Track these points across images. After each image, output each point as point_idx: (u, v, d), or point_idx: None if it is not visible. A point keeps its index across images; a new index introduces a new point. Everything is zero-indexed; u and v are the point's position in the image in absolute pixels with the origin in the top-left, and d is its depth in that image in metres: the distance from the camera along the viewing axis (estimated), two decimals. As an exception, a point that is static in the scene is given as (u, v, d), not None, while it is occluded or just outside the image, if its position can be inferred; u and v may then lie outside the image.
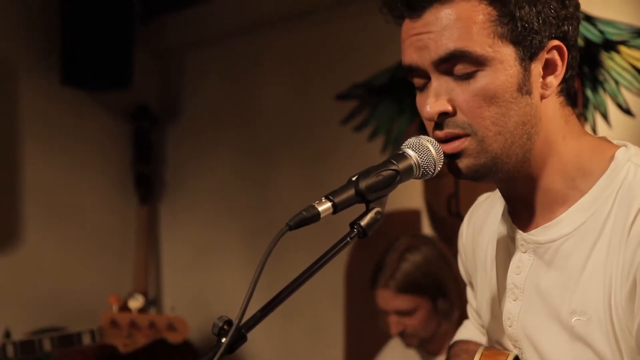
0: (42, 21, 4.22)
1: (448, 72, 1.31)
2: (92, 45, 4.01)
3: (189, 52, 4.60)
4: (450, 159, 1.33)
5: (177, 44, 4.60)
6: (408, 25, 1.34)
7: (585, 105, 3.00)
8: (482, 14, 1.29)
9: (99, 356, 3.44)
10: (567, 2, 1.34)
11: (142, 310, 3.20)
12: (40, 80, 4.21)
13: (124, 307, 3.21)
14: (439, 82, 1.32)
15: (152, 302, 3.43)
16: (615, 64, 2.96)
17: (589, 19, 2.96)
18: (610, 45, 2.96)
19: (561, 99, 1.37)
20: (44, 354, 3.04)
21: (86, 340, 3.10)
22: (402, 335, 2.81)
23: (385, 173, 1.27)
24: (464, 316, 2.60)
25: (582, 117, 2.99)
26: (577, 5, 1.37)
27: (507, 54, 1.29)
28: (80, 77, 4.10)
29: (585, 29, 2.96)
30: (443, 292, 2.76)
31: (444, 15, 1.29)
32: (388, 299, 2.78)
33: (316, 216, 1.21)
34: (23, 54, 4.18)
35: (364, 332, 3.64)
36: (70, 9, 4.04)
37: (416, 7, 1.31)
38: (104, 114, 4.49)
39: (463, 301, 2.67)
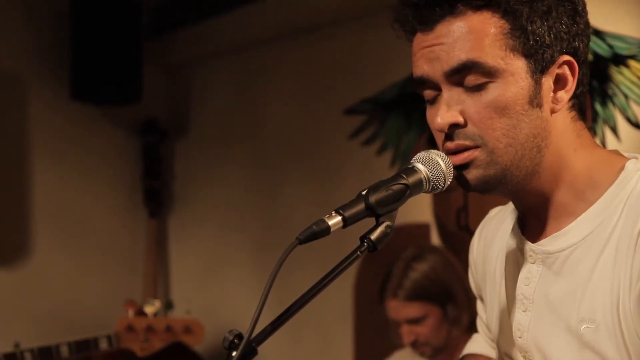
0: (52, 36, 4.24)
1: (459, 84, 1.31)
2: (101, 60, 4.03)
3: (197, 66, 4.62)
4: (459, 170, 1.33)
5: (185, 58, 4.62)
6: (420, 39, 1.34)
7: (595, 119, 3.00)
8: (495, 27, 1.29)
9: None
10: (578, 18, 1.35)
11: (157, 314, 3.22)
12: (50, 94, 4.23)
13: (140, 313, 3.22)
14: (450, 94, 1.32)
15: (169, 305, 3.44)
16: (624, 78, 2.96)
17: (598, 34, 2.97)
18: (620, 60, 2.96)
19: (573, 113, 1.37)
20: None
21: (103, 345, 3.11)
22: (415, 344, 2.81)
23: (395, 187, 1.27)
24: (473, 321, 2.61)
25: (591, 131, 2.98)
26: (587, 23, 1.38)
27: (519, 66, 1.30)
28: (90, 91, 4.13)
29: (595, 44, 2.97)
30: (452, 298, 2.76)
31: (457, 27, 1.30)
32: (398, 309, 2.79)
33: (326, 230, 1.21)
34: (33, 68, 4.20)
35: (373, 346, 3.63)
36: (80, 25, 4.06)
37: (428, 21, 1.32)
38: (113, 129, 4.51)
39: (472, 306, 2.68)
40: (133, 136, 4.55)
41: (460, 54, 1.29)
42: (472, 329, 2.62)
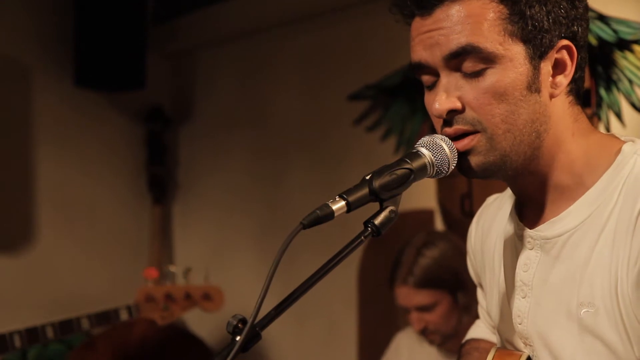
0: (55, 23, 4.24)
1: (457, 69, 1.31)
2: (105, 47, 4.03)
3: (201, 53, 4.62)
4: (460, 157, 1.33)
5: (189, 45, 4.61)
6: (418, 23, 1.34)
7: (599, 104, 2.99)
8: (493, 12, 1.29)
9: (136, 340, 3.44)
10: (577, 2, 1.35)
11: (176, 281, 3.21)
12: (54, 82, 4.23)
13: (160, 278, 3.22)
14: (448, 79, 1.32)
15: (187, 271, 3.41)
16: (629, 63, 2.95)
17: (603, 18, 2.96)
18: (624, 45, 2.95)
19: (570, 98, 1.37)
20: (82, 332, 3.03)
21: (123, 316, 3.10)
22: (425, 332, 2.79)
23: (399, 172, 1.27)
24: None
25: (595, 117, 2.99)
26: (587, 7, 1.38)
27: (517, 52, 1.30)
28: (94, 78, 4.12)
29: (599, 28, 2.96)
30: (462, 285, 2.72)
31: (455, 12, 1.30)
32: (408, 296, 2.76)
33: (330, 215, 1.21)
34: (37, 56, 4.20)
35: (378, 332, 3.64)
36: (84, 12, 4.06)
37: (427, 5, 1.32)
38: (117, 116, 4.51)
39: None
40: (137, 123, 4.56)
41: (459, 38, 1.29)
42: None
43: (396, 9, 1.37)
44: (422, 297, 2.74)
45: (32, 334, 2.92)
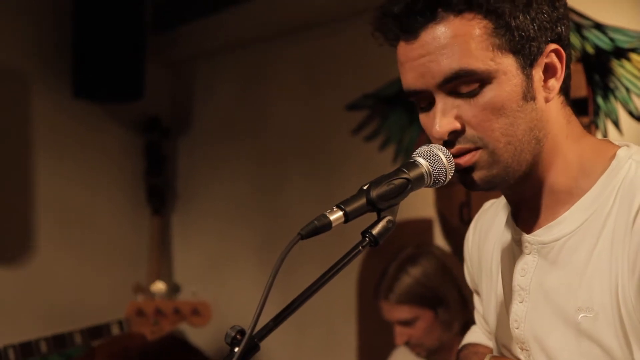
0: (54, 34, 4.25)
1: (453, 92, 1.31)
2: (103, 57, 4.04)
3: (199, 63, 4.62)
4: (463, 173, 1.34)
5: (188, 55, 4.62)
6: (404, 48, 1.33)
7: (597, 113, 3.00)
8: (478, 28, 1.29)
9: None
10: (557, 3, 1.35)
11: (164, 297, 3.26)
12: (53, 93, 4.23)
13: (148, 293, 3.26)
14: (444, 102, 1.32)
15: (176, 288, 3.47)
16: (626, 72, 2.95)
17: (599, 27, 2.96)
18: (621, 53, 2.95)
19: (562, 98, 1.38)
20: (75, 347, 3.07)
21: (115, 330, 3.15)
22: (409, 345, 2.82)
23: (396, 182, 1.27)
24: (465, 326, 2.61)
25: (593, 125, 2.99)
26: (566, 5, 1.38)
27: (509, 64, 1.30)
28: (92, 89, 4.13)
29: (596, 37, 2.96)
30: (443, 302, 2.75)
31: (441, 33, 1.29)
32: (389, 310, 2.80)
33: (328, 225, 1.21)
34: (35, 67, 4.21)
35: (377, 342, 3.64)
36: (82, 22, 4.07)
37: (411, 29, 1.31)
38: (115, 126, 4.51)
39: (465, 311, 2.70)
40: (136, 133, 4.56)
41: (451, 63, 1.28)
42: (464, 333, 2.68)
43: (379, 33, 1.37)
44: (402, 312, 2.77)
45: (26, 348, 2.96)
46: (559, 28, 1.34)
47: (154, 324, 3.21)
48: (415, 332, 2.77)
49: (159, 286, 3.29)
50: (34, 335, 3.47)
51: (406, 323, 2.77)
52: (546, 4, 1.32)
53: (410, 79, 1.33)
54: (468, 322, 2.62)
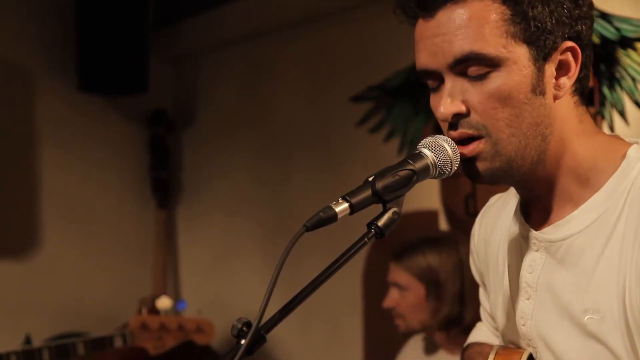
0: (58, 28, 4.25)
1: (462, 73, 1.31)
2: (108, 51, 4.04)
3: (204, 57, 4.62)
4: (466, 162, 1.33)
5: (192, 49, 4.61)
6: (422, 27, 1.34)
7: (602, 103, 2.99)
8: (495, 13, 1.28)
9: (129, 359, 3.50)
10: (581, 1, 1.33)
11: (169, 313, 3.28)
12: (57, 86, 4.24)
13: (153, 309, 3.28)
14: (453, 83, 1.32)
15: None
16: (632, 61, 2.94)
17: (605, 17, 2.95)
18: (627, 43, 2.94)
19: (575, 98, 1.36)
20: (77, 357, 3.10)
21: (118, 343, 3.18)
22: (393, 311, 2.90)
23: (401, 173, 1.27)
24: (451, 320, 2.75)
25: (599, 115, 2.98)
26: (591, 5, 1.36)
27: (521, 54, 1.29)
28: (97, 83, 4.14)
29: (601, 27, 2.95)
30: (439, 290, 2.82)
31: (457, 15, 1.29)
32: (392, 271, 2.90)
33: (333, 217, 1.21)
34: (40, 60, 4.21)
35: (383, 334, 3.64)
36: (86, 16, 4.07)
37: (429, 7, 1.31)
38: (120, 120, 4.51)
39: (462, 310, 2.77)
40: (140, 127, 4.56)
41: (463, 45, 1.28)
42: (448, 328, 2.78)
43: (400, 10, 1.37)
44: (400, 276, 2.86)
45: (29, 357, 2.99)
46: (579, 26, 1.32)
47: (157, 339, 3.24)
48: (403, 302, 2.86)
49: (165, 302, 3.30)
50: (40, 329, 3.49)
51: (399, 288, 2.86)
52: (568, 0, 1.31)
53: (423, 58, 1.34)
54: (457, 319, 2.74)
